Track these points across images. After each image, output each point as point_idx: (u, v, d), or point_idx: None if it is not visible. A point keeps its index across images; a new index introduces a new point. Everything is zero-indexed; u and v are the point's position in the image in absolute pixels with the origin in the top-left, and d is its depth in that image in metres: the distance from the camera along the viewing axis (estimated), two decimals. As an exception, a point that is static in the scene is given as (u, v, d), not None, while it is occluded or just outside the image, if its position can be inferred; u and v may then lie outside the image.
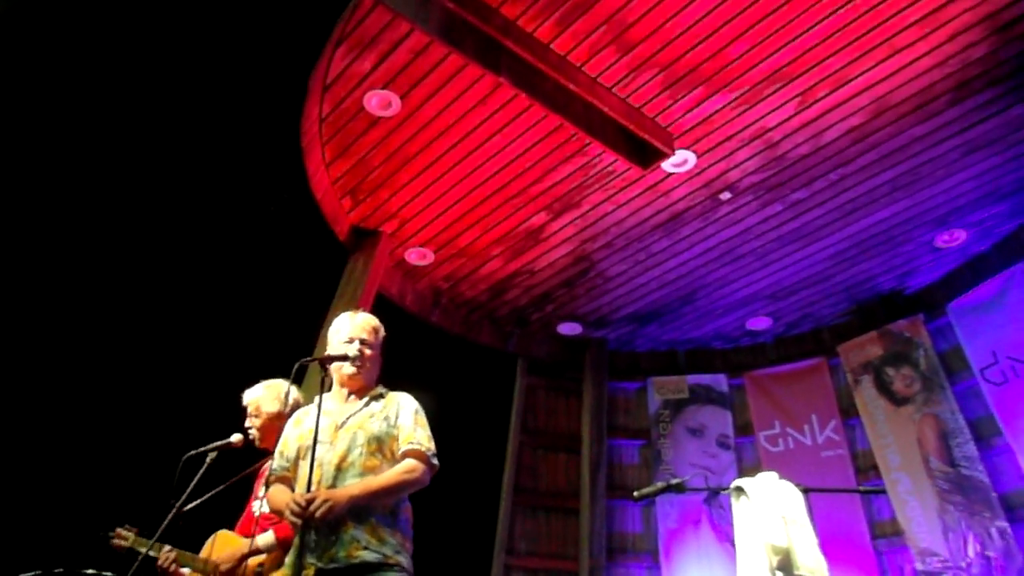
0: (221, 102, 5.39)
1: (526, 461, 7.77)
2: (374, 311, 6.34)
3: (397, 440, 2.75)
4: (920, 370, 6.74)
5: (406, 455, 2.68)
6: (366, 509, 2.53)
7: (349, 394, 2.92)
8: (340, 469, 2.64)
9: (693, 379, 7.88)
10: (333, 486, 2.57)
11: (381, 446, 2.71)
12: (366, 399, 2.87)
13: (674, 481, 2.74)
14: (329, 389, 2.93)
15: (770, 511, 2.53)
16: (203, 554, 3.09)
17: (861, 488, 3.58)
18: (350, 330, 2.96)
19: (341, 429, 2.75)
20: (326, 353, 2.91)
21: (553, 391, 8.10)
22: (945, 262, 6.73)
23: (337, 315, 6.18)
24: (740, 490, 2.76)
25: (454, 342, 7.65)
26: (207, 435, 3.44)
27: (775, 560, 2.43)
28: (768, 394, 7.66)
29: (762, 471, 7.24)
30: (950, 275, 6.81)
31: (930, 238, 6.46)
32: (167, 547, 3.03)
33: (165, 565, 2.97)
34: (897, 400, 6.80)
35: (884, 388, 6.90)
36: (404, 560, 2.53)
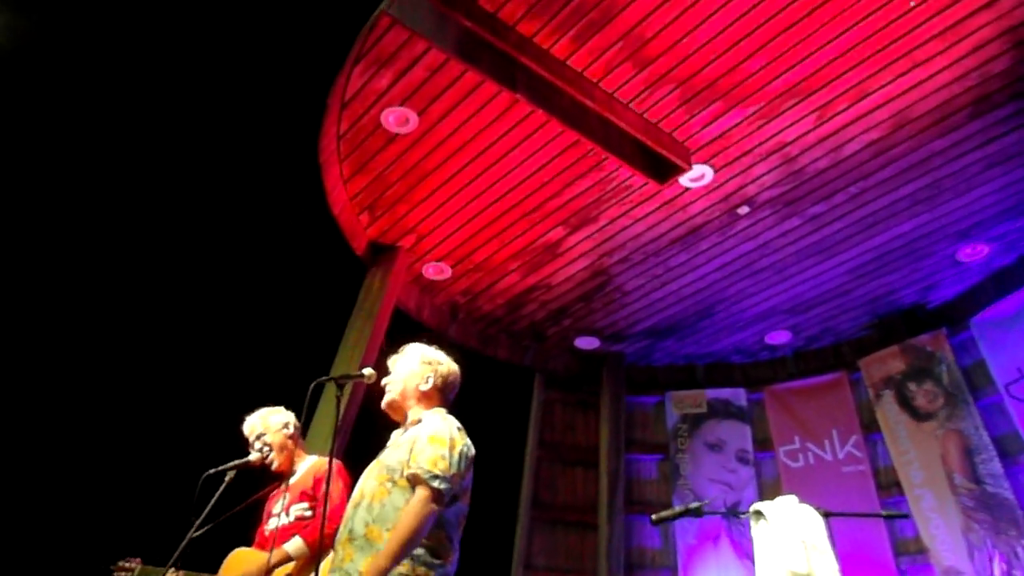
0: (241, 120, 5.46)
1: (544, 475, 7.74)
2: (392, 326, 6.45)
3: (407, 466, 2.63)
4: (943, 385, 6.64)
5: (408, 481, 2.59)
6: (369, 542, 2.48)
7: (401, 426, 2.87)
8: (354, 505, 2.61)
9: (712, 393, 7.83)
10: (349, 526, 2.54)
11: (392, 475, 2.60)
12: (402, 429, 2.83)
13: (693, 505, 2.71)
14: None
15: (790, 536, 2.49)
16: (222, 574, 3.10)
17: (884, 513, 3.50)
18: (391, 367, 2.95)
19: (374, 464, 2.73)
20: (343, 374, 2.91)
21: (571, 405, 8.08)
22: (968, 276, 6.64)
23: (355, 330, 6.28)
24: (759, 514, 2.72)
25: (471, 356, 7.64)
26: (224, 455, 3.46)
27: None
28: (788, 408, 7.58)
29: (782, 486, 7.21)
30: (973, 289, 6.72)
31: (952, 252, 6.39)
32: (177, 572, 3.02)
33: None
34: (920, 416, 6.71)
35: (906, 403, 6.81)
36: None
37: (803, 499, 6.95)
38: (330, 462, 2.51)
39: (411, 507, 2.48)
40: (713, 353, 7.82)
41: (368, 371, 2.84)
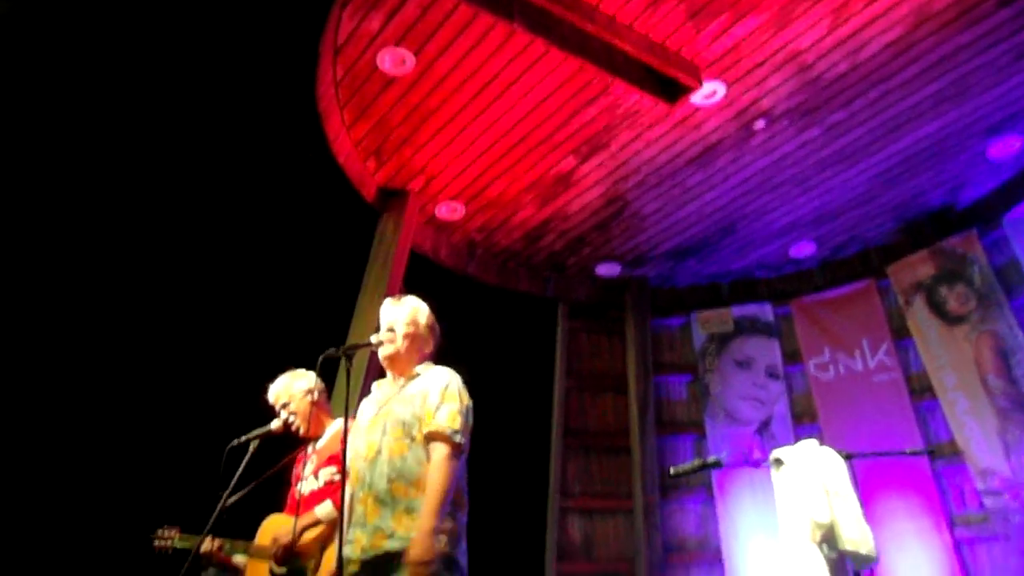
0: (234, 76, 5.31)
1: (574, 404, 7.80)
2: (409, 269, 6.42)
3: (423, 421, 2.68)
4: (975, 287, 6.49)
5: (427, 439, 2.63)
6: (394, 498, 2.51)
7: (395, 379, 2.89)
8: (367, 460, 2.63)
9: (738, 311, 7.74)
10: (368, 481, 2.56)
11: (409, 429, 2.65)
12: (403, 381, 2.84)
13: (711, 459, 2.68)
14: (379, 376, 2.96)
15: (811, 483, 2.45)
16: (258, 540, 3.17)
17: (907, 451, 3.45)
18: (383, 318, 2.93)
19: (378, 416, 2.75)
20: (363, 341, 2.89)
21: (596, 333, 8.05)
22: (999, 172, 6.39)
23: (372, 278, 6.26)
24: (779, 461, 2.68)
25: (492, 292, 7.62)
26: (253, 420, 3.48)
27: (818, 534, 2.37)
28: (816, 321, 7.49)
29: (813, 399, 7.20)
30: (1005, 185, 6.48)
31: (982, 148, 6.12)
32: (213, 539, 3.09)
33: (212, 553, 3.04)
34: (951, 319, 6.59)
35: (937, 308, 6.68)
36: (438, 544, 2.45)
37: (835, 412, 6.94)
38: (344, 438, 2.51)
39: (440, 464, 2.54)
40: (737, 270, 7.69)
41: (375, 338, 2.82)
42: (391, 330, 2.86)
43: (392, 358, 2.86)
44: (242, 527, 3.30)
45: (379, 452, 2.62)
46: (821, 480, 2.44)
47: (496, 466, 6.59)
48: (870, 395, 6.94)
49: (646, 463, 7.22)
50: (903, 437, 6.62)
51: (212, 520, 3.07)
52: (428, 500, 2.47)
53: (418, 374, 2.85)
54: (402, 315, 2.91)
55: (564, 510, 7.33)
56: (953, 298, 6.61)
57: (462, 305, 7.80)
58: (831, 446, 6.76)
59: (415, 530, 2.44)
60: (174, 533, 3.26)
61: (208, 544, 3.06)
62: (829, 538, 2.35)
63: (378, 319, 3.01)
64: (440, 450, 2.57)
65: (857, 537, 2.34)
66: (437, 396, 2.70)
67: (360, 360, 5.30)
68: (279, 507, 3.36)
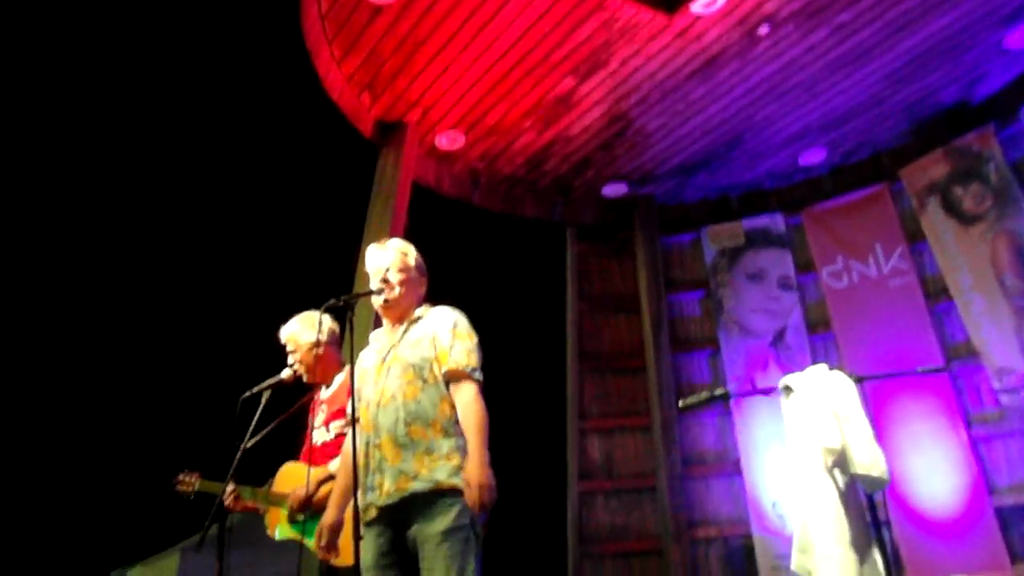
0: (219, 15, 5.16)
1: (587, 326, 7.82)
2: (412, 203, 6.35)
3: (438, 362, 2.68)
4: (991, 185, 6.35)
5: (448, 377, 2.63)
6: (413, 440, 2.52)
7: (394, 324, 2.87)
8: (380, 406, 2.64)
9: (748, 223, 7.64)
10: (384, 427, 2.58)
11: (420, 372, 2.65)
12: (404, 326, 2.82)
13: (719, 391, 2.66)
14: (378, 325, 2.95)
15: (821, 409, 2.43)
16: (276, 487, 3.23)
17: (919, 369, 3.42)
18: (373, 265, 2.89)
19: (384, 363, 2.74)
20: (353, 292, 2.87)
21: (605, 254, 8.01)
22: (1016, 64, 6.14)
23: (376, 214, 6.22)
24: (788, 389, 2.66)
25: (499, 220, 7.56)
26: (265, 369, 3.51)
27: (830, 460, 2.37)
28: (828, 228, 7.38)
29: (827, 308, 7.17)
30: (1022, 77, 6.24)
31: (997, 39, 5.87)
32: (231, 486, 3.16)
33: (228, 500, 3.11)
34: (967, 219, 6.48)
35: (952, 208, 6.56)
36: (461, 482, 2.47)
37: (850, 319, 6.92)
38: (351, 389, 2.51)
39: (473, 403, 2.58)
40: (746, 182, 7.55)
41: (375, 286, 2.80)
42: (385, 280, 2.83)
43: (390, 306, 2.83)
44: (261, 473, 3.38)
45: (392, 397, 2.62)
46: (831, 405, 2.43)
47: (515, 392, 6.70)
48: (885, 301, 6.90)
49: (662, 380, 7.28)
50: (918, 341, 6.61)
51: (233, 467, 3.15)
52: (474, 435, 2.51)
53: (419, 317, 2.83)
54: (391, 261, 2.87)
55: (583, 431, 7.46)
56: (968, 198, 6.47)
57: (469, 235, 7.77)
58: (846, 353, 6.83)
59: (439, 470, 2.47)
60: (195, 478, 3.33)
61: (229, 494, 3.13)
62: (841, 463, 2.36)
63: (378, 260, 2.96)
64: (467, 389, 2.60)
65: (868, 461, 2.34)
66: (448, 336, 2.70)
67: (366, 306, 5.26)
68: (296, 452, 3.42)
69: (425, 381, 2.63)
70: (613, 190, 7.56)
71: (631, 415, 7.49)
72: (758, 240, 7.60)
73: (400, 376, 2.65)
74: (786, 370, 7.06)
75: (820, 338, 7.20)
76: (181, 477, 3.34)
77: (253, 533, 3.57)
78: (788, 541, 2.81)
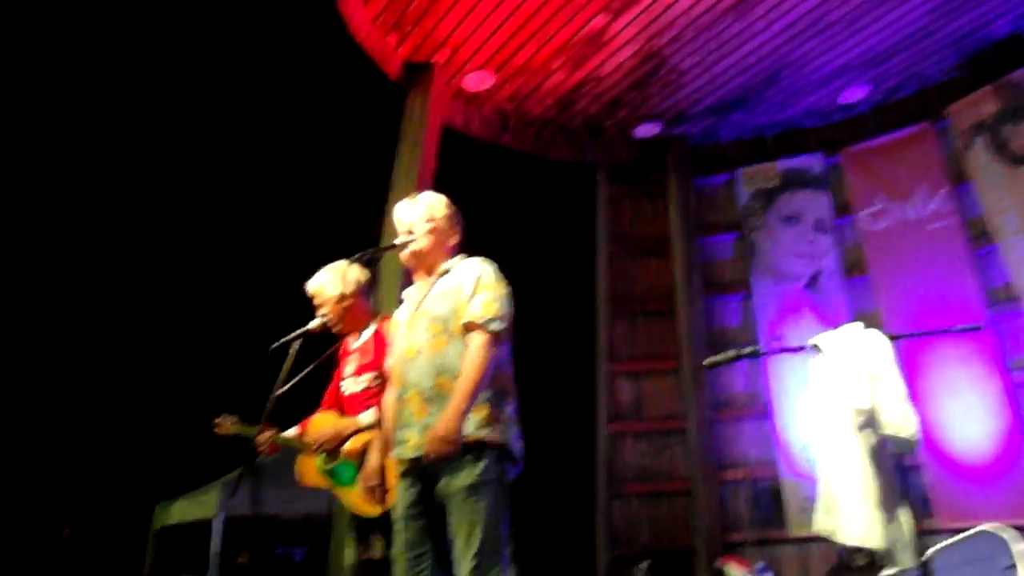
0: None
1: (618, 269, 7.77)
2: (441, 146, 6.29)
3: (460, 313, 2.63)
4: (1042, 123, 6.07)
5: (464, 329, 2.59)
6: (440, 394, 2.52)
7: (425, 279, 2.83)
8: (407, 360, 2.63)
9: (784, 164, 7.44)
10: (412, 381, 2.58)
11: (446, 324, 2.61)
12: (433, 279, 2.79)
13: (746, 350, 2.60)
14: (406, 277, 2.92)
15: (853, 369, 2.37)
16: (297, 434, 3.30)
17: (956, 328, 3.30)
18: (401, 219, 2.84)
19: (414, 316, 2.73)
20: (380, 245, 2.84)
21: (637, 196, 7.89)
22: (1074, -7, 5.80)
23: (404, 156, 6.17)
24: (817, 347, 2.59)
25: (529, 161, 7.47)
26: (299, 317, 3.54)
27: (859, 421, 2.32)
28: (868, 169, 7.16)
29: (865, 251, 7.00)
30: (1080, 7, 5.90)
31: (1056, -34, 5.54)
32: (268, 431, 3.23)
33: (264, 445, 3.19)
34: (1016, 159, 6.23)
35: (1000, 148, 6.30)
36: (488, 434, 2.46)
37: (887, 262, 6.76)
38: (377, 340, 2.53)
39: (474, 351, 2.52)
40: (783, 121, 7.33)
41: (401, 239, 2.78)
42: (410, 232, 2.79)
43: (417, 258, 2.80)
44: (290, 420, 3.45)
45: (419, 351, 2.61)
46: (864, 365, 2.36)
47: (545, 334, 6.73)
48: (925, 243, 6.72)
49: (693, 324, 7.24)
50: (958, 285, 6.45)
51: (267, 411, 3.22)
52: (459, 384, 2.47)
53: (448, 269, 2.78)
54: (418, 214, 2.82)
55: (612, 374, 7.48)
56: (1019, 136, 6.21)
57: (499, 177, 7.70)
58: (882, 297, 6.70)
59: (466, 423, 2.42)
60: (232, 421, 3.42)
61: (264, 438, 3.21)
62: (870, 423, 2.31)
63: (405, 214, 2.91)
64: (475, 338, 2.54)
65: (899, 420, 2.29)
66: (471, 287, 2.65)
67: (394, 259, 5.22)
68: (319, 402, 3.48)
69: (451, 334, 2.60)
70: (645, 130, 7.40)
71: (661, 358, 7.48)
72: (794, 181, 7.42)
73: (427, 329, 2.63)
74: (820, 315, 6.98)
75: (856, 282, 7.07)
76: (219, 420, 3.43)
77: (287, 472, 3.66)
78: (816, 484, 2.80)
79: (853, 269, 7.11)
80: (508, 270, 2.83)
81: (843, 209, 7.24)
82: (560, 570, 7.39)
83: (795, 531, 6.59)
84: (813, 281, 7.16)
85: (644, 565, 6.42)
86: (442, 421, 2.41)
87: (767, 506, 6.90)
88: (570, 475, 7.32)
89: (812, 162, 7.38)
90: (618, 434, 7.35)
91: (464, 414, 2.43)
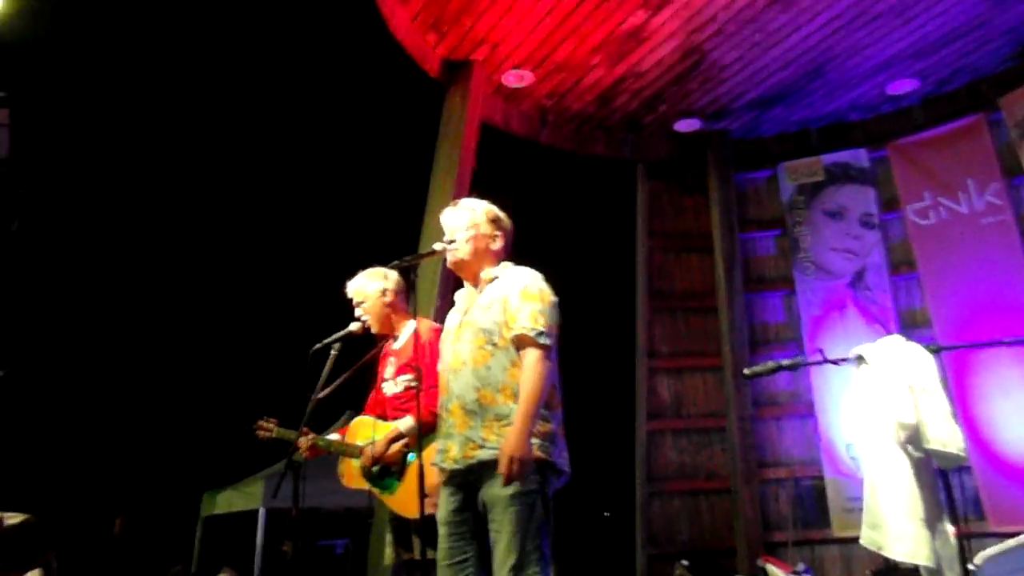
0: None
1: (658, 265, 7.71)
2: (480, 143, 6.30)
3: (507, 326, 2.60)
4: (1102, 114, 5.85)
5: (515, 343, 2.56)
6: (483, 407, 2.52)
7: (473, 286, 2.81)
8: (453, 371, 2.63)
9: (829, 158, 7.29)
10: (455, 392, 2.59)
11: (490, 336, 2.59)
12: (480, 287, 2.77)
13: (786, 362, 2.54)
14: (444, 284, 2.91)
15: (895, 381, 2.31)
16: (348, 438, 3.35)
17: (1007, 341, 3.19)
18: (444, 225, 2.83)
19: (460, 326, 2.72)
20: (417, 252, 2.83)
21: (677, 192, 7.81)
22: None
23: (443, 154, 6.20)
24: (861, 358, 2.53)
25: (568, 158, 7.44)
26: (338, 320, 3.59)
27: (903, 435, 2.27)
28: (916, 163, 6.98)
29: (912, 247, 6.83)
30: None
31: (1118, -48, 5.32)
32: (307, 433, 3.27)
33: (304, 449, 3.23)
34: (1073, 151, 6.02)
35: (1057, 139, 6.09)
36: (529, 447, 2.42)
37: (936, 259, 6.60)
38: (416, 345, 2.55)
39: (531, 369, 2.50)
40: (828, 114, 7.17)
41: (439, 245, 2.79)
42: (452, 241, 2.78)
43: (458, 266, 2.80)
44: (328, 423, 3.50)
45: (464, 363, 2.60)
46: (906, 378, 2.31)
47: (585, 331, 6.72)
48: (976, 239, 6.54)
49: (734, 321, 7.15)
50: (1011, 281, 6.27)
51: (306, 415, 3.26)
52: (521, 404, 2.46)
53: (495, 277, 2.74)
54: (459, 220, 2.80)
55: (652, 370, 7.43)
56: (1075, 128, 6.00)
57: (538, 174, 7.69)
58: (930, 294, 6.54)
59: (508, 435, 2.43)
60: (273, 424, 3.47)
61: (304, 440, 3.26)
62: (914, 439, 2.25)
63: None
64: (530, 354, 2.52)
65: (945, 437, 2.23)
66: (517, 299, 2.61)
67: (433, 265, 5.21)
68: (363, 401, 3.52)
69: (495, 346, 2.59)
70: (686, 125, 7.30)
71: (702, 355, 7.41)
72: (839, 176, 7.27)
73: (471, 341, 2.62)
74: (865, 312, 6.84)
75: (903, 279, 6.91)
76: (261, 423, 3.48)
77: (329, 466, 3.72)
78: (861, 484, 2.74)
79: (900, 266, 6.95)
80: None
81: (890, 204, 7.08)
82: (599, 568, 7.40)
83: (838, 531, 6.49)
84: (858, 278, 7.02)
85: (683, 564, 6.38)
86: (509, 444, 2.41)
87: (810, 506, 6.81)
88: (609, 473, 7.30)
89: (858, 156, 7.22)
90: (657, 432, 7.31)
91: (530, 433, 2.43)
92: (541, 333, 2.55)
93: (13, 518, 4.58)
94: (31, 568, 3.55)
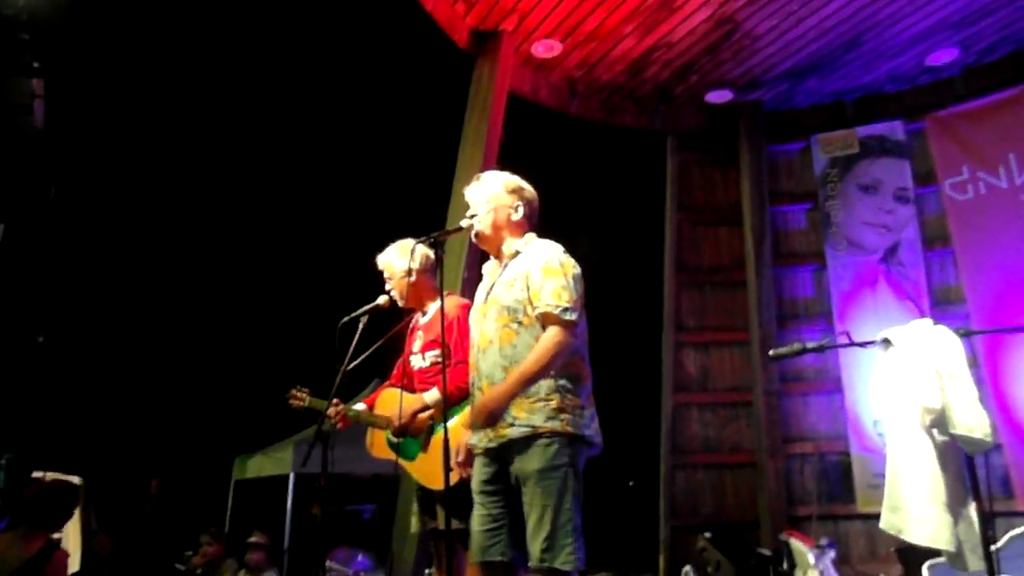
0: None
1: (686, 238, 7.66)
2: (509, 114, 6.27)
3: (531, 304, 2.60)
4: None
5: (540, 322, 2.57)
6: None
7: (498, 261, 2.81)
8: (481, 349, 2.66)
9: (864, 131, 7.14)
10: (484, 371, 2.62)
11: (515, 315, 2.60)
12: (504, 264, 2.76)
13: (811, 344, 2.51)
14: (471, 259, 2.91)
15: (922, 366, 2.28)
16: (376, 410, 3.40)
17: None
18: (468, 200, 2.83)
19: (486, 303, 2.73)
20: (444, 228, 2.85)
21: (707, 164, 7.72)
22: None
23: (472, 126, 6.19)
24: (888, 342, 2.50)
25: (597, 129, 7.37)
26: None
27: (928, 419, 2.24)
28: (955, 135, 6.81)
29: (948, 222, 6.70)
30: None
31: None
32: (337, 404, 3.34)
33: (335, 418, 3.30)
34: (1119, 125, 5.83)
35: (1102, 113, 5.91)
36: (559, 424, 2.48)
37: (972, 234, 6.48)
38: (442, 324, 2.59)
39: (545, 341, 2.52)
40: (864, 86, 7.01)
41: (466, 222, 2.80)
42: (474, 215, 2.79)
43: (481, 239, 2.80)
44: (362, 389, 3.56)
45: (491, 342, 2.62)
46: (933, 362, 2.28)
47: (611, 303, 6.72)
48: (1015, 215, 6.39)
49: (763, 295, 7.10)
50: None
51: (335, 386, 3.32)
52: (520, 366, 2.50)
53: (518, 252, 2.73)
54: (480, 194, 2.79)
55: (679, 344, 7.42)
56: (1122, 101, 5.81)
57: (566, 146, 7.64)
58: (965, 271, 6.42)
59: (537, 413, 2.47)
60: (305, 394, 3.54)
61: (335, 411, 3.32)
62: (940, 423, 2.23)
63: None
64: (551, 330, 2.53)
65: (971, 422, 2.21)
66: (539, 275, 2.60)
67: (460, 239, 5.19)
68: (388, 375, 3.57)
69: (520, 324, 2.59)
70: (717, 97, 7.20)
71: (729, 330, 7.38)
72: (874, 148, 7.12)
73: (496, 319, 2.63)
74: (896, 288, 6.75)
75: (937, 254, 6.79)
76: (294, 392, 3.56)
77: (357, 434, 3.80)
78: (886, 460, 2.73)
79: (934, 241, 6.83)
80: (575, 239, 2.79)
81: (925, 178, 6.93)
82: (622, 539, 7.47)
83: (863, 507, 6.48)
84: (891, 253, 6.91)
85: (706, 536, 6.42)
86: (491, 394, 2.50)
87: (835, 481, 6.80)
88: (634, 445, 7.35)
89: (894, 128, 7.07)
90: (683, 405, 7.32)
91: (512, 395, 2.49)
92: (566, 309, 2.55)
93: (55, 478, 4.75)
94: (60, 527, 3.68)
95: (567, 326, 2.55)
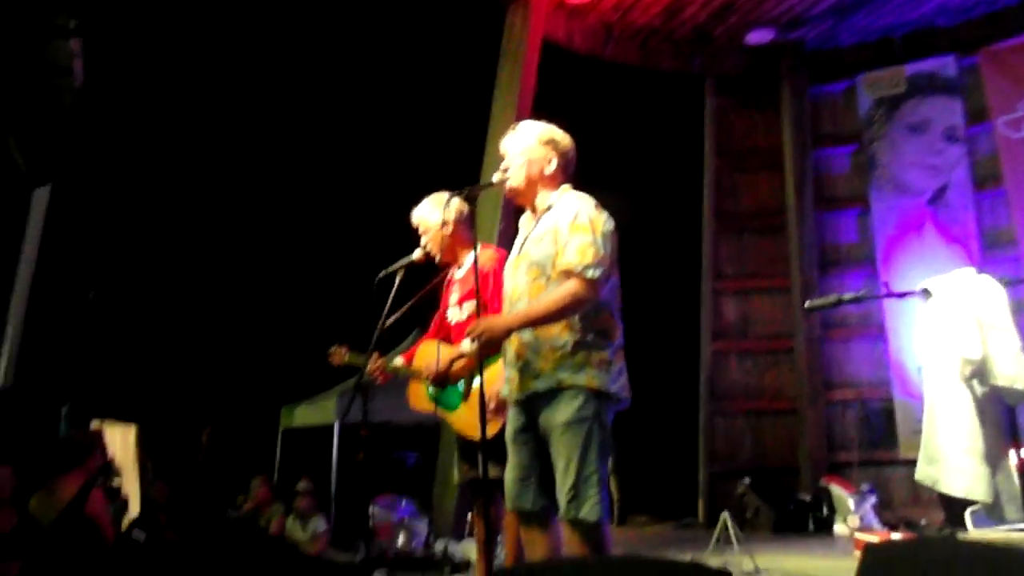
0: None
1: (725, 184, 7.53)
2: (543, 62, 6.16)
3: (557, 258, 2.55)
4: None
5: (561, 275, 2.53)
6: (538, 339, 2.55)
7: (531, 214, 2.75)
8: (512, 302, 2.67)
9: (912, 68, 6.87)
10: None
11: (544, 269, 2.57)
12: (538, 217, 2.75)
13: (847, 296, 2.45)
14: (507, 212, 2.90)
15: (963, 316, 2.22)
16: (415, 363, 3.45)
17: None
18: (503, 152, 2.79)
19: (519, 256, 2.73)
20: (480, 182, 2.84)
21: (747, 108, 7.54)
22: None
23: (505, 74, 6.11)
24: (927, 292, 2.42)
25: (633, 73, 7.21)
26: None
27: (968, 370, 2.19)
28: (1010, 70, 6.51)
29: (1000, 162, 6.46)
30: None
31: None
32: (377, 357, 3.38)
33: (375, 371, 3.35)
34: None
35: None
36: (584, 379, 2.47)
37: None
38: (476, 277, 2.59)
39: (561, 289, 2.50)
40: (913, 20, 6.72)
41: (497, 176, 2.77)
42: (507, 169, 2.75)
43: (515, 193, 2.77)
44: (400, 341, 3.61)
45: (521, 296, 2.62)
46: (975, 312, 2.21)
47: (649, 251, 6.67)
48: (1070, 153, 6.14)
49: (804, 241, 6.99)
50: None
51: (374, 340, 3.37)
52: (527, 306, 2.53)
53: (550, 206, 2.67)
54: (515, 146, 2.74)
55: (717, 291, 7.37)
56: None
57: (603, 92, 7.50)
58: (1017, 212, 6.21)
59: (562, 368, 2.47)
60: (344, 350, 3.60)
61: (375, 365, 3.37)
62: (980, 373, 2.19)
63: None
64: (569, 283, 2.48)
65: (1013, 372, 2.16)
66: (567, 231, 2.55)
67: (494, 192, 5.15)
68: (426, 328, 3.61)
69: (548, 279, 2.56)
70: (758, 37, 6.97)
71: (769, 276, 7.29)
72: (923, 86, 6.85)
73: (527, 273, 2.62)
74: (944, 232, 6.57)
75: (988, 195, 6.58)
76: (333, 349, 3.62)
77: (399, 381, 3.86)
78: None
79: (985, 181, 6.60)
80: (611, 187, 2.73)
81: (977, 116, 6.67)
82: (662, 485, 7.55)
83: (905, 453, 6.42)
84: (939, 195, 6.71)
85: (745, 482, 6.46)
86: (494, 320, 2.55)
87: (878, 427, 6.75)
88: (674, 392, 7.36)
89: (945, 64, 6.79)
90: (722, 352, 7.30)
91: (510, 329, 2.52)
92: (587, 266, 2.50)
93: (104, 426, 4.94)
94: (86, 463, 3.78)
95: (588, 283, 2.52)
